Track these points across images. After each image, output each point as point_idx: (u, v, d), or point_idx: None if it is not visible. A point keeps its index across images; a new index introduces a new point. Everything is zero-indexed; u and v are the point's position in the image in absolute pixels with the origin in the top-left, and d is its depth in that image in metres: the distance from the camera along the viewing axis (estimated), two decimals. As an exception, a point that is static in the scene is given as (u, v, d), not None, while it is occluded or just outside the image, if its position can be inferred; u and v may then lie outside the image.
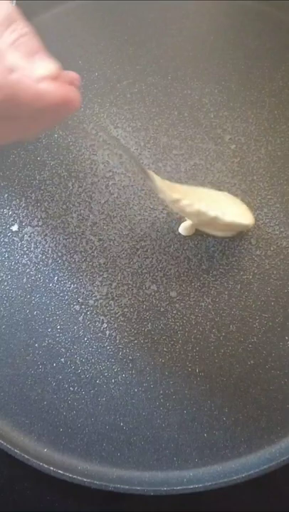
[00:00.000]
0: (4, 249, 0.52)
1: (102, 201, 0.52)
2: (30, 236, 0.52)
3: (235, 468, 0.46)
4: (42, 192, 0.53)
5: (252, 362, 0.48)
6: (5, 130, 0.34)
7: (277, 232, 0.51)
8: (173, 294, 0.50)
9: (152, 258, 0.51)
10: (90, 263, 0.51)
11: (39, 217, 0.52)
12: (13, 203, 0.53)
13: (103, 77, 0.55)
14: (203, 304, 0.50)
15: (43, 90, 0.32)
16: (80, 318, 0.50)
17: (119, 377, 0.49)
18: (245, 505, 0.50)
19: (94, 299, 0.50)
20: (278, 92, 0.54)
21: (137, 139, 0.53)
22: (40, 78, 0.32)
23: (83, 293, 0.50)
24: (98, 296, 0.50)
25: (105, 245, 0.51)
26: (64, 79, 0.34)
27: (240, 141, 0.53)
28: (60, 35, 0.56)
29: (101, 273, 0.51)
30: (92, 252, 0.51)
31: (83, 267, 0.51)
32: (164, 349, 0.49)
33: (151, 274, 0.50)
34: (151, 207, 0.52)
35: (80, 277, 0.51)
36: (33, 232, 0.52)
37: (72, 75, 0.35)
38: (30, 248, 0.52)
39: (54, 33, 0.56)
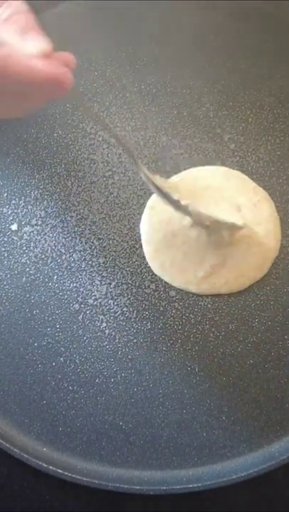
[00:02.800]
0: (3, 249, 0.52)
1: (102, 201, 0.52)
2: (29, 235, 0.52)
3: (235, 467, 0.46)
4: (41, 191, 0.53)
5: (251, 361, 0.48)
6: None
7: (277, 232, 0.51)
8: (172, 293, 0.50)
9: (152, 257, 0.51)
10: (90, 262, 0.51)
11: (38, 216, 0.52)
12: (13, 201, 0.53)
13: (102, 77, 0.55)
14: (202, 303, 0.50)
15: (33, 66, 0.32)
16: (80, 318, 0.50)
17: (119, 376, 0.49)
18: (244, 505, 0.50)
19: (93, 298, 0.50)
20: (277, 92, 0.54)
21: (137, 138, 0.53)
22: (31, 55, 0.32)
23: (82, 292, 0.50)
24: (97, 296, 0.50)
25: (104, 244, 0.51)
26: (57, 59, 0.34)
27: (240, 140, 0.53)
28: (58, 35, 0.55)
29: (100, 272, 0.51)
30: (92, 252, 0.51)
31: (82, 266, 0.51)
32: (164, 348, 0.49)
33: (151, 274, 0.50)
34: (151, 206, 0.52)
35: (80, 276, 0.51)
36: (32, 231, 0.52)
37: (67, 56, 0.35)
38: (29, 247, 0.52)
39: (53, 33, 0.55)
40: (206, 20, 0.56)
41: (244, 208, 0.50)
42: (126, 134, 0.53)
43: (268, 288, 0.50)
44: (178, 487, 0.46)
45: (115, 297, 0.50)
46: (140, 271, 0.51)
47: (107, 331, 0.49)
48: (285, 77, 0.54)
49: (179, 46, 0.55)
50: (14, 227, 0.52)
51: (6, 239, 0.52)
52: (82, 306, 0.50)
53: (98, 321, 0.50)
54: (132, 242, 0.51)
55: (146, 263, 0.51)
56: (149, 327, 0.49)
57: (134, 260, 0.51)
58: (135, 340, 0.49)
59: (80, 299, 0.50)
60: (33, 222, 0.52)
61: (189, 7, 0.56)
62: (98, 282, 0.50)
